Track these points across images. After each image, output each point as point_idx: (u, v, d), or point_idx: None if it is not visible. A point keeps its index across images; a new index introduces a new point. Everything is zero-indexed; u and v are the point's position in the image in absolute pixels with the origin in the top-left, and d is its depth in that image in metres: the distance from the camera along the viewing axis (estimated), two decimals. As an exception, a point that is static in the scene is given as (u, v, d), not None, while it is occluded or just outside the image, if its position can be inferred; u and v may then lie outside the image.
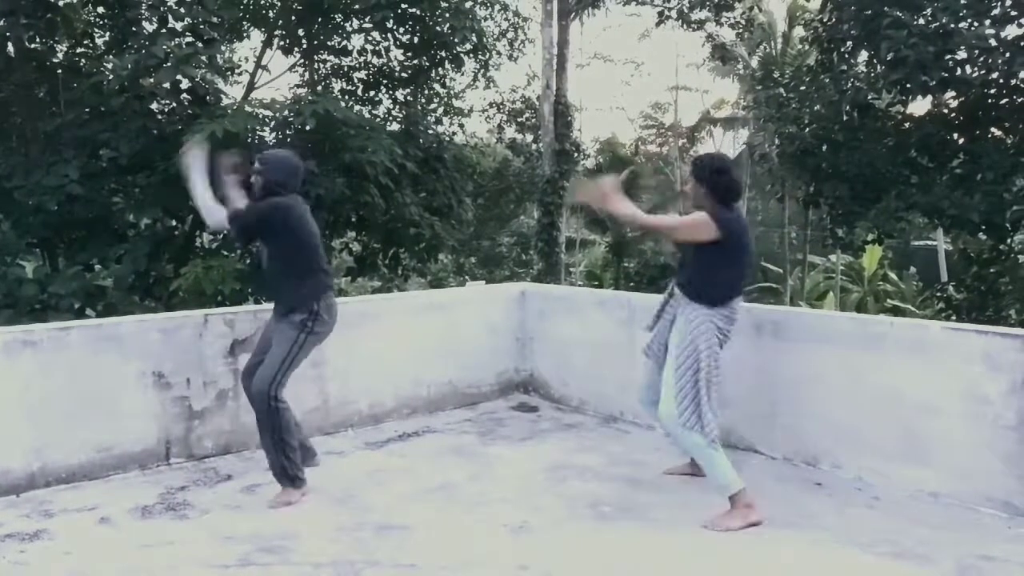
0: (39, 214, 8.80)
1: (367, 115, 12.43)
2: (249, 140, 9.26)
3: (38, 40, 9.97)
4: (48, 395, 3.98)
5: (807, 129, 10.66)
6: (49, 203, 8.65)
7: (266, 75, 13.14)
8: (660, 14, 16.45)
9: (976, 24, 8.88)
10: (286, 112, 9.66)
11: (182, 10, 9.28)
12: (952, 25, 8.71)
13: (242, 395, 4.47)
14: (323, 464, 4.07)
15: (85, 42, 10.80)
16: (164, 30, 9.16)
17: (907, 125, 10.23)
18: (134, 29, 9.64)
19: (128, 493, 3.90)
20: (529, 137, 19.38)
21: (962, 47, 8.79)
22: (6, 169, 8.91)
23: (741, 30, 16.73)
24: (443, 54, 12.37)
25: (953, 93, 9.57)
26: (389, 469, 4.28)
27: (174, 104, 9.64)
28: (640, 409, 4.03)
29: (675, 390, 3.53)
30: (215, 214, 3.84)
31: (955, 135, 9.98)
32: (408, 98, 13.41)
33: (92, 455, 4.10)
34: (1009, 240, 10.44)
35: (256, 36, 13.42)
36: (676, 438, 3.61)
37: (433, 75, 13.25)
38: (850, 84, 10.12)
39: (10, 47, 9.64)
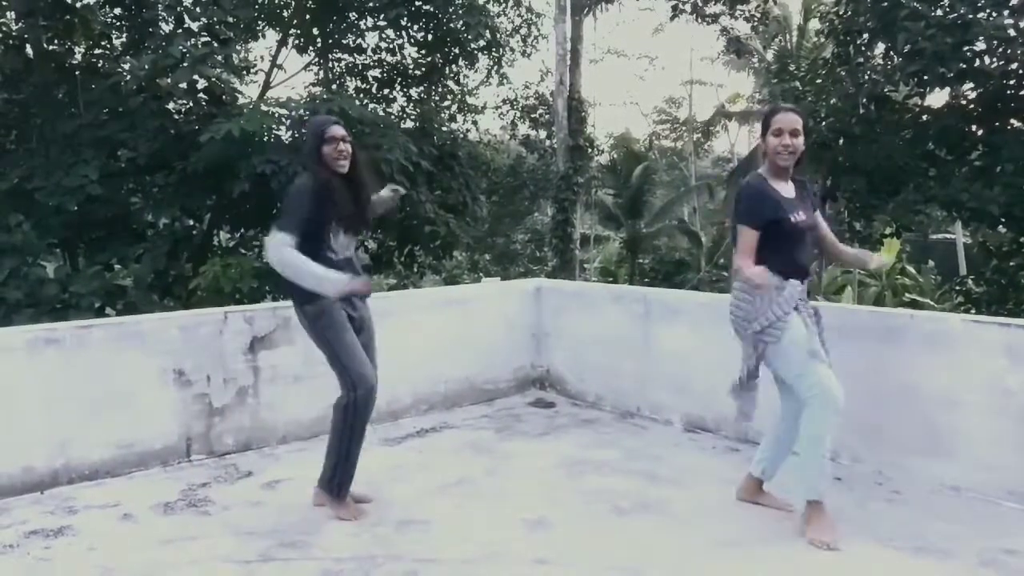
0: (59, 214, 8.90)
1: (381, 113, 12.47)
2: (265, 139, 9.33)
3: (56, 42, 10.09)
4: (71, 392, 4.02)
5: (824, 122, 10.59)
6: (69, 203, 8.76)
7: (281, 74, 13.25)
8: (674, 8, 16.38)
9: (995, 15, 8.80)
10: (302, 110, 9.71)
11: (198, 10, 9.35)
12: (970, 16, 8.64)
13: (262, 392, 4.54)
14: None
15: (103, 43, 10.89)
16: (180, 30, 9.25)
17: (925, 117, 10.15)
18: (151, 30, 9.73)
19: (150, 490, 3.95)
20: (543, 133, 19.35)
21: (980, 38, 8.71)
22: (27, 170, 9.02)
23: (756, 23, 16.65)
24: (457, 51, 12.39)
25: (971, 84, 9.48)
26: (407, 465, 4.30)
27: (191, 104, 9.73)
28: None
29: None
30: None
31: (974, 127, 9.88)
32: (422, 96, 13.45)
33: (114, 452, 4.15)
34: (1029, 232, 10.34)
35: (271, 35, 13.53)
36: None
37: (447, 72, 13.29)
38: (867, 76, 10.04)
39: (29, 49, 9.76)
